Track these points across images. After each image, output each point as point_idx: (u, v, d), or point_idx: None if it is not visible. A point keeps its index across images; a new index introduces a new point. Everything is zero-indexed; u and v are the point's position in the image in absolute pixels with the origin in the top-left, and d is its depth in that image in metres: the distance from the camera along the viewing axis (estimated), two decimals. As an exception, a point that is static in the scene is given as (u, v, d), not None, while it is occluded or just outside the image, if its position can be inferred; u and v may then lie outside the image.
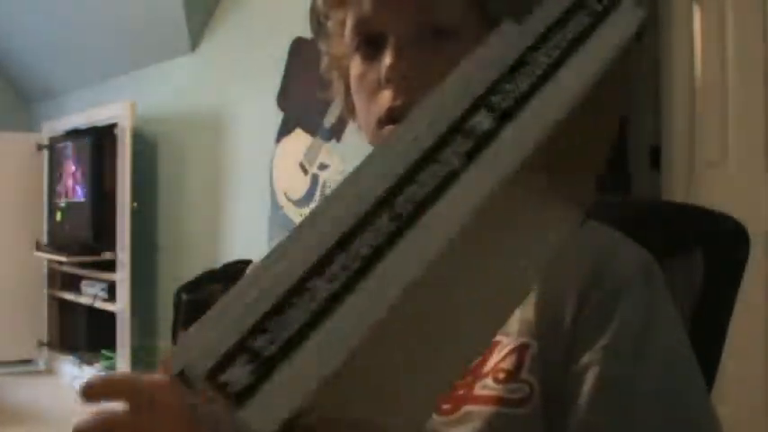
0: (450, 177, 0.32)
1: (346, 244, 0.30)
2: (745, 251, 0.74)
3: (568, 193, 0.47)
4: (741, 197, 2.14)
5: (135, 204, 3.52)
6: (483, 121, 0.34)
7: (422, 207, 0.31)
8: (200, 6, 3.28)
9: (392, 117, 0.64)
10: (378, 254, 0.30)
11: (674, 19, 2.43)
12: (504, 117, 0.34)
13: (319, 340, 0.27)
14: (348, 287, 0.29)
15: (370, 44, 0.66)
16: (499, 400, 0.60)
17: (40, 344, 4.35)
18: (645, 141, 2.64)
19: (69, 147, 3.98)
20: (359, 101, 0.69)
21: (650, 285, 0.62)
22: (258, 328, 0.28)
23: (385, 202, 0.31)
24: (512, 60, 0.36)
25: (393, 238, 0.30)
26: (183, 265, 3.43)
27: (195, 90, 3.48)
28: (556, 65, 0.36)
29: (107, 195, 3.63)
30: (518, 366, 0.60)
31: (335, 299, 0.29)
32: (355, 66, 0.68)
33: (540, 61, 0.36)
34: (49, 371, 4.32)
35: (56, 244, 4.08)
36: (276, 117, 2.93)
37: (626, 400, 0.57)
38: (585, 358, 0.59)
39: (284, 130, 2.91)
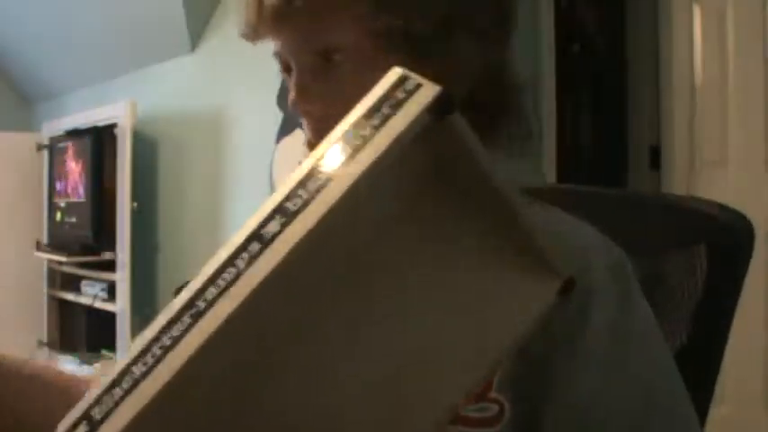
0: (236, 278, 0.38)
1: (159, 337, 0.38)
2: (750, 247, 0.73)
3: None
4: (741, 197, 2.14)
5: (135, 204, 3.51)
6: (273, 225, 0.39)
7: (210, 305, 0.38)
8: (200, 6, 3.28)
9: (311, 147, 0.67)
10: (174, 344, 0.37)
11: (674, 19, 2.43)
12: (289, 220, 0.39)
13: (119, 411, 0.37)
14: (150, 371, 0.37)
15: (287, 72, 0.70)
16: (467, 420, 0.59)
17: (40, 344, 4.34)
18: (645, 141, 2.64)
19: (69, 147, 3.97)
20: None
21: (621, 291, 0.60)
22: (97, 401, 0.38)
23: (192, 301, 0.39)
24: (307, 168, 0.40)
25: (186, 332, 0.37)
26: (183, 265, 3.43)
27: (195, 90, 3.48)
28: (344, 164, 0.39)
29: (107, 195, 3.63)
30: (486, 386, 0.59)
31: (142, 379, 0.37)
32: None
33: (329, 164, 0.40)
34: (49, 371, 4.32)
35: (56, 244, 4.07)
36: (276, 117, 2.93)
37: (595, 416, 0.56)
38: (554, 373, 0.58)
39: (284, 130, 2.91)
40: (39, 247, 4.18)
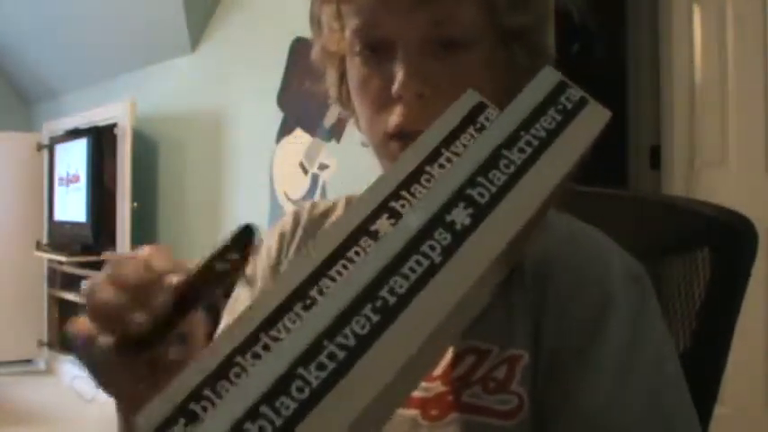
0: (431, 271, 0.36)
1: (332, 334, 0.34)
2: (753, 250, 0.72)
3: (509, 259, 0.48)
4: (741, 197, 2.13)
5: (135, 204, 3.52)
6: (461, 215, 0.38)
7: (404, 298, 0.35)
8: (200, 6, 3.28)
9: (402, 134, 0.62)
10: (365, 343, 0.34)
11: (674, 19, 2.43)
12: (481, 214, 0.38)
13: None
14: (342, 374, 0.34)
15: (374, 49, 0.63)
16: (487, 411, 0.59)
17: (40, 344, 4.35)
18: (645, 141, 2.64)
19: (69, 147, 3.97)
20: (361, 105, 0.66)
21: (639, 301, 0.61)
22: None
23: (370, 295, 0.35)
24: (486, 155, 0.40)
25: (378, 329, 0.34)
26: (182, 265, 3.42)
27: (195, 90, 3.48)
28: (527, 162, 0.40)
29: (107, 195, 3.63)
30: (508, 377, 0.60)
31: (332, 382, 0.34)
32: (356, 67, 0.65)
33: (512, 158, 0.40)
34: (49, 371, 4.32)
35: (56, 244, 4.08)
36: (276, 117, 2.93)
37: (604, 425, 0.56)
38: (567, 379, 0.58)
39: (284, 130, 2.91)
40: (39, 247, 4.19)
